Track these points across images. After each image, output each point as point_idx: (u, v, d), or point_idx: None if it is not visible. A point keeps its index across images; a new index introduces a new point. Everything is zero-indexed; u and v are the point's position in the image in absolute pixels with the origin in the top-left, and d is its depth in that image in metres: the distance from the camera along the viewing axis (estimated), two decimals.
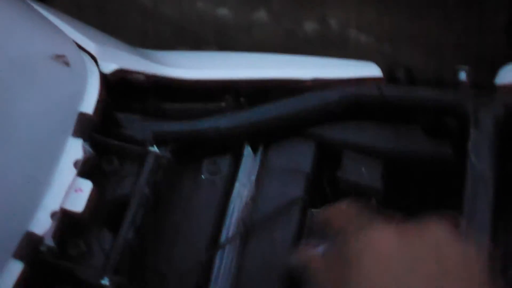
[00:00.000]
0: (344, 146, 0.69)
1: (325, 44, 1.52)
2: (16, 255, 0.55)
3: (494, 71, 0.71)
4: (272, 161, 0.69)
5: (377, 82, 0.71)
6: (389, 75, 0.72)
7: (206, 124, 0.71)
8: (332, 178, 0.68)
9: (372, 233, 0.42)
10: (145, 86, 0.74)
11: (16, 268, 0.54)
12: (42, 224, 0.57)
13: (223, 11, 1.58)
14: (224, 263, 0.62)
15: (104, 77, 0.70)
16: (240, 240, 0.64)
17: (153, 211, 0.64)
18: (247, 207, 0.66)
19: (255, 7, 1.56)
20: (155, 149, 0.67)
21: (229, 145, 0.70)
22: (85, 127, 0.64)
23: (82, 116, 0.65)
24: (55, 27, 0.73)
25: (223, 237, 0.64)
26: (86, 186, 0.61)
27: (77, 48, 0.72)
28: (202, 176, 0.69)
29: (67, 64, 0.66)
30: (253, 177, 0.68)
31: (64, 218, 0.59)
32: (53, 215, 0.58)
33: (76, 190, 0.60)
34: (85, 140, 0.63)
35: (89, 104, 0.66)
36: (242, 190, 0.66)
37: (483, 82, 0.70)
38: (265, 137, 0.71)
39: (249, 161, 0.69)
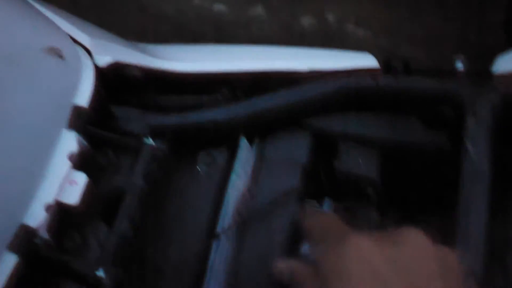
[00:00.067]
0: (341, 136, 0.69)
1: (322, 39, 1.52)
2: (10, 247, 0.54)
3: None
4: (268, 152, 0.69)
5: (374, 72, 0.71)
6: (386, 66, 0.72)
7: (202, 116, 0.70)
8: (329, 168, 0.68)
9: (352, 242, 0.42)
10: (141, 79, 0.74)
11: (10, 261, 0.54)
12: (36, 217, 0.57)
13: (220, 7, 1.57)
14: (220, 254, 0.62)
15: (98, 70, 0.70)
16: (236, 231, 0.63)
17: (148, 203, 0.64)
18: (243, 199, 0.65)
19: (252, 3, 1.56)
20: (150, 141, 0.67)
21: (225, 137, 0.70)
22: (80, 120, 0.64)
23: (76, 109, 0.65)
24: (49, 20, 0.73)
25: (219, 229, 0.64)
26: (81, 179, 0.60)
27: (71, 41, 0.71)
28: (198, 168, 0.68)
29: (61, 57, 0.66)
30: (249, 169, 0.67)
31: (59, 210, 0.59)
32: (47, 207, 0.58)
33: (70, 183, 0.60)
34: (79, 132, 0.63)
35: (83, 97, 0.66)
36: (238, 181, 0.66)
37: (482, 81, 0.69)
38: (261, 129, 0.70)
39: (245, 153, 0.68)
